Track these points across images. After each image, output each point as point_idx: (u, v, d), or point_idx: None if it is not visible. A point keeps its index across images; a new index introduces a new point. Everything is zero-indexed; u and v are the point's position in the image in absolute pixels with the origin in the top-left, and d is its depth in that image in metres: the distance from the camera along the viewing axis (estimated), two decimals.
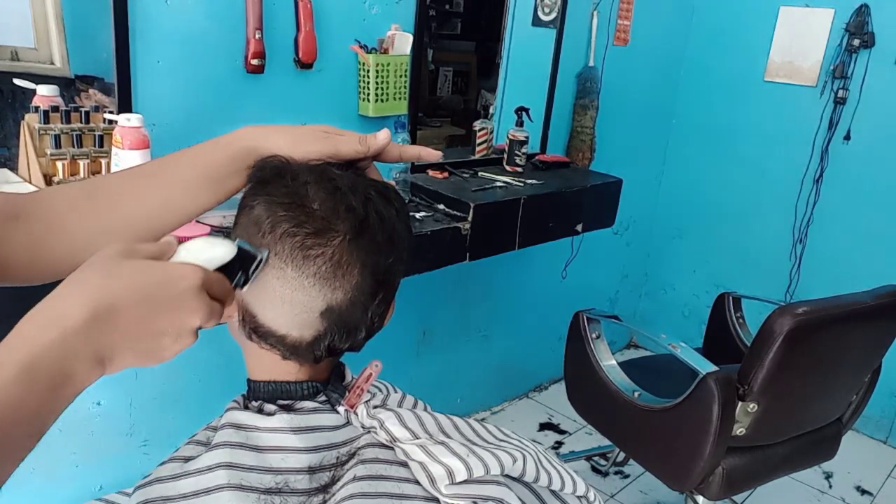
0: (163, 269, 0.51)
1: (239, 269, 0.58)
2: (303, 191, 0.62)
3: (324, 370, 0.71)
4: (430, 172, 1.97)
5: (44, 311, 0.47)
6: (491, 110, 2.25)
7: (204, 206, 0.68)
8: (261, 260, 0.58)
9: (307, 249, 0.60)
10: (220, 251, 0.56)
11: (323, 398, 0.69)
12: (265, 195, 0.62)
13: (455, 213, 1.74)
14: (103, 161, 1.28)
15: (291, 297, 0.62)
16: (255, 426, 0.66)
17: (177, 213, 0.67)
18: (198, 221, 0.63)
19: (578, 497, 0.78)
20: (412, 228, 0.73)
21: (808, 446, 1.76)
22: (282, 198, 0.61)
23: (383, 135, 0.70)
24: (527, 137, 2.11)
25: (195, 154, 0.68)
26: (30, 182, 1.25)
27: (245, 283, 0.58)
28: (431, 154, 0.75)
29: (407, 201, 1.79)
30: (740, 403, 1.52)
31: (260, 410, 0.68)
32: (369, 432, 0.68)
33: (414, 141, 1.91)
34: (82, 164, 1.26)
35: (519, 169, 2.12)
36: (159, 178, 0.68)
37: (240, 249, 0.57)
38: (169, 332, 0.51)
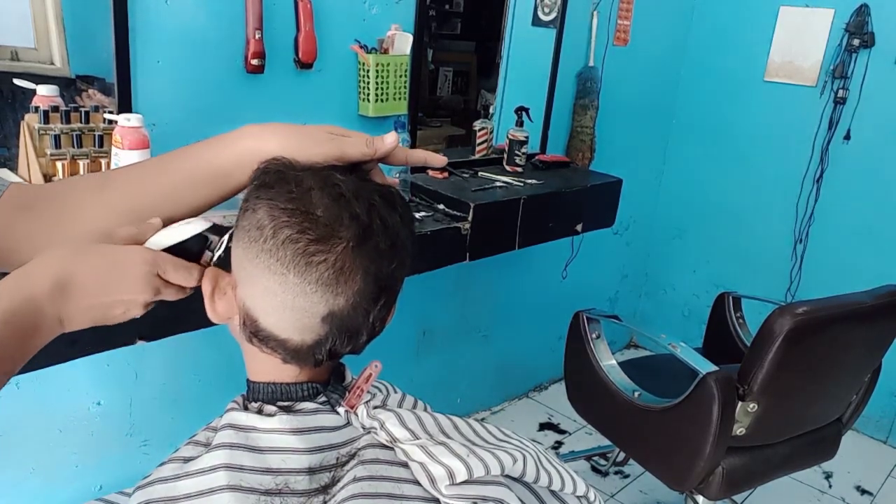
0: (120, 254, 0.61)
1: (206, 247, 0.66)
2: (307, 197, 0.61)
3: (324, 371, 0.71)
4: (430, 172, 1.97)
5: (23, 274, 0.58)
6: (491, 110, 2.25)
7: (208, 202, 0.70)
8: (222, 240, 0.65)
9: (310, 256, 0.60)
10: (190, 228, 0.65)
11: (323, 399, 0.69)
12: (268, 199, 0.62)
13: (455, 213, 1.74)
14: (103, 161, 1.28)
15: (293, 303, 0.61)
16: (255, 427, 0.66)
17: (181, 206, 0.68)
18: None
19: (578, 497, 0.78)
20: (416, 232, 0.73)
21: (808, 446, 1.76)
22: (285, 203, 0.61)
23: (391, 138, 0.70)
24: (527, 137, 2.11)
25: (200, 150, 0.69)
26: (29, 182, 1.25)
27: (210, 260, 0.66)
28: (437, 159, 0.75)
29: (407, 201, 1.78)
30: (740, 403, 1.52)
31: (260, 411, 0.68)
32: (369, 433, 0.68)
33: (414, 141, 1.91)
34: (82, 164, 1.26)
35: (519, 169, 2.12)
36: (165, 171, 0.69)
37: (210, 228, 0.64)
38: (119, 305, 0.62)
